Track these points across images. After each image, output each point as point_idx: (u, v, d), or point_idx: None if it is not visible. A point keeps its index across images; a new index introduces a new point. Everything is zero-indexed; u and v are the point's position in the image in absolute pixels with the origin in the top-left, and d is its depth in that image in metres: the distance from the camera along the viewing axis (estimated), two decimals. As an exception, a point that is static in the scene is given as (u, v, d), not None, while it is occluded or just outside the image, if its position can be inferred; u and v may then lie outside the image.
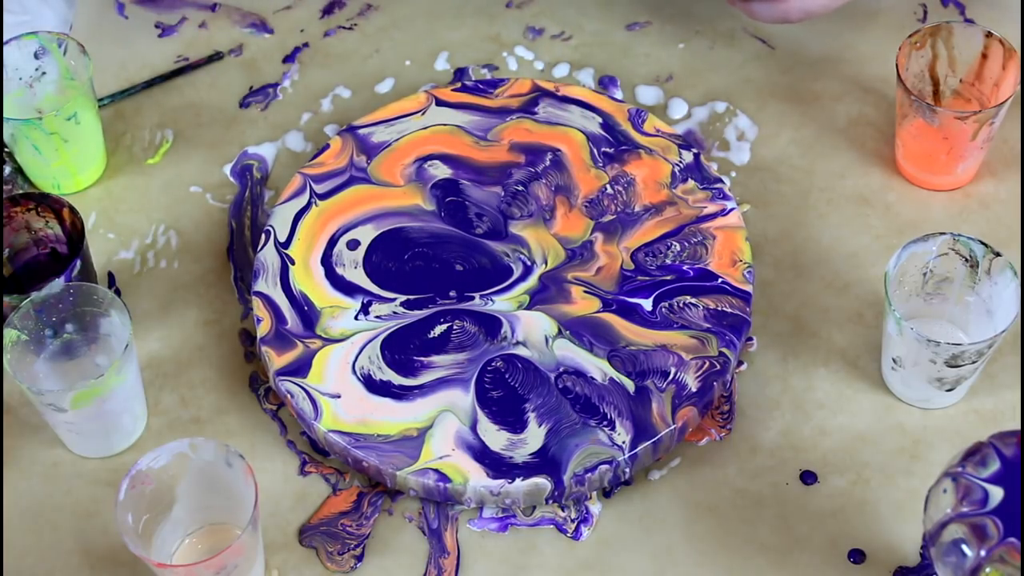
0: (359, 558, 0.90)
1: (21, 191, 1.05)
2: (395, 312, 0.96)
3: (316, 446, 0.94)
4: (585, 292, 0.96)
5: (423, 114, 1.04)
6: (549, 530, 0.91)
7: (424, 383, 0.93)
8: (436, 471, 0.89)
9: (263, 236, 0.99)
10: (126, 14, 1.14)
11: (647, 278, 0.97)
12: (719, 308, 0.95)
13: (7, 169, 1.06)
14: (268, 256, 0.98)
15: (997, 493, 0.78)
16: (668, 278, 0.96)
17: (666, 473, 0.92)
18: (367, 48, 1.12)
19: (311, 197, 1.01)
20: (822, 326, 0.97)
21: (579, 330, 0.94)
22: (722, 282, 0.96)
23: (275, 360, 0.94)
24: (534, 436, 0.91)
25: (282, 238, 0.99)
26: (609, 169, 1.01)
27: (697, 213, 0.99)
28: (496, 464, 0.90)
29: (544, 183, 1.01)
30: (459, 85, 1.06)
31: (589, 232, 0.99)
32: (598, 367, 0.93)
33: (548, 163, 1.02)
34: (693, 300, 0.95)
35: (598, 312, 0.95)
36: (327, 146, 1.03)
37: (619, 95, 1.08)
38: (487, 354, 0.94)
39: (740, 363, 0.96)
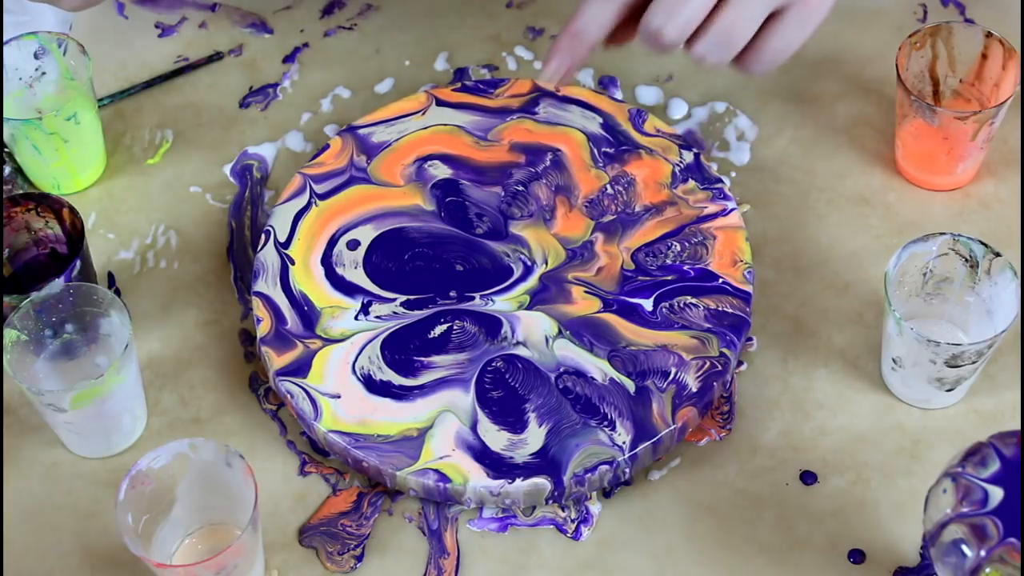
0: (359, 558, 0.90)
1: (21, 191, 1.05)
2: (395, 312, 0.96)
3: (316, 446, 0.94)
4: (585, 292, 0.96)
5: (423, 114, 1.04)
6: (549, 530, 0.91)
7: (424, 383, 0.93)
8: (436, 471, 0.89)
9: (263, 236, 0.99)
10: (126, 14, 1.14)
11: (647, 278, 0.97)
12: (719, 308, 0.95)
13: (7, 169, 1.06)
14: (268, 256, 0.98)
15: (997, 493, 0.78)
16: (669, 278, 0.96)
17: (666, 473, 0.92)
18: (367, 48, 1.12)
19: (311, 197, 1.01)
20: (822, 326, 0.97)
21: (579, 330, 0.94)
22: (722, 282, 0.96)
23: (275, 360, 0.94)
24: (534, 436, 0.91)
25: (282, 238, 0.99)
26: (609, 169, 1.01)
27: (697, 213, 0.99)
28: (496, 464, 0.90)
29: (544, 183, 1.01)
30: (459, 85, 1.06)
31: (589, 232, 0.99)
32: (598, 367, 0.93)
33: (548, 163, 1.02)
34: (694, 300, 0.95)
35: (598, 312, 0.95)
36: (327, 146, 1.03)
37: (619, 95, 1.08)
38: (487, 354, 0.94)
39: (740, 363, 0.96)
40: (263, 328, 0.95)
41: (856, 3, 1.12)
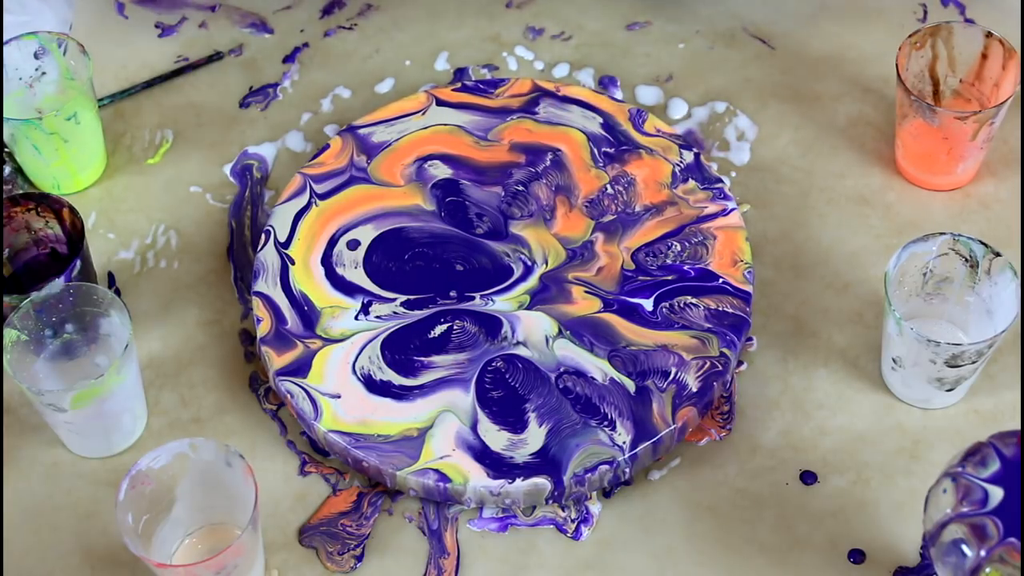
0: (359, 558, 0.90)
1: (21, 191, 1.05)
2: (395, 312, 0.96)
3: (316, 446, 0.94)
4: (586, 292, 0.96)
5: (423, 114, 1.04)
6: (549, 530, 0.91)
7: (424, 383, 0.93)
8: (436, 471, 0.89)
9: (263, 236, 0.99)
10: (126, 14, 1.14)
11: (648, 278, 0.97)
12: (720, 308, 0.95)
13: (7, 169, 1.06)
14: (268, 256, 0.98)
15: (997, 493, 0.78)
16: (669, 278, 0.96)
17: (666, 473, 0.92)
18: (367, 48, 1.12)
19: (311, 197, 1.01)
20: (822, 326, 0.97)
21: (579, 330, 0.94)
22: (723, 282, 0.96)
23: (275, 360, 0.94)
24: (534, 436, 0.91)
25: (282, 238, 0.99)
26: (610, 169, 1.01)
27: (697, 213, 0.99)
28: (496, 464, 0.90)
29: (544, 183, 1.01)
30: (459, 85, 1.06)
31: (590, 232, 0.99)
32: (598, 367, 0.93)
33: (548, 163, 1.02)
34: (694, 300, 0.95)
35: (599, 312, 0.95)
36: (327, 146, 1.03)
37: (619, 95, 1.08)
38: (487, 354, 0.94)
39: (740, 363, 0.96)
40: (263, 328, 0.95)
41: (856, 3, 1.12)
